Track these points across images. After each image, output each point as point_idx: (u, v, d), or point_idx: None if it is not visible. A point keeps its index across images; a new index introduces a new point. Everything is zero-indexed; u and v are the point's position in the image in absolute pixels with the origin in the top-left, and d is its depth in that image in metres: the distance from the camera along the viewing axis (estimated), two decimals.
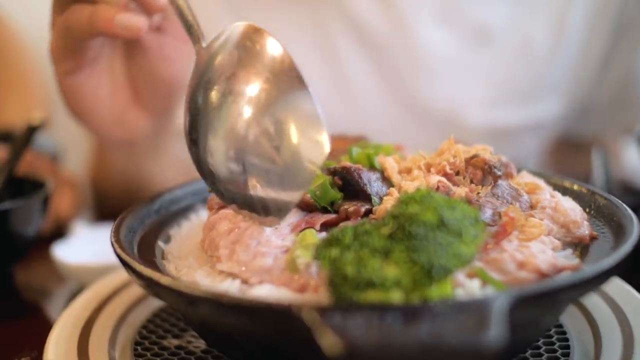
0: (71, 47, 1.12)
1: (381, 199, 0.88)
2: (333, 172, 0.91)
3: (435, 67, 1.72)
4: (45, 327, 1.01)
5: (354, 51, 1.72)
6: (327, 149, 0.78)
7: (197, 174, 0.89)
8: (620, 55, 1.82)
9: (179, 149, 1.53)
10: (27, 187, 1.33)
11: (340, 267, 0.70)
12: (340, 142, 1.07)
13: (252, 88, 0.85)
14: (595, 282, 0.75)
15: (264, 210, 0.83)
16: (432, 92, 1.74)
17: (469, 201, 0.85)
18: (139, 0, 1.08)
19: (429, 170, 0.93)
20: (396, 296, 0.68)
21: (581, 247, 0.88)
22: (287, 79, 0.85)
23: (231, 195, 0.85)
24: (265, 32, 0.90)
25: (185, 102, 0.91)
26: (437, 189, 0.87)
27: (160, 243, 0.95)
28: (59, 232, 1.45)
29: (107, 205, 1.66)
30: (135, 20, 1.06)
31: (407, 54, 1.71)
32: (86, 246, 1.29)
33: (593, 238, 0.88)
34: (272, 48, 0.88)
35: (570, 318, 0.97)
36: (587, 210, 0.95)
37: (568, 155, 2.06)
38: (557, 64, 1.77)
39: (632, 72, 1.84)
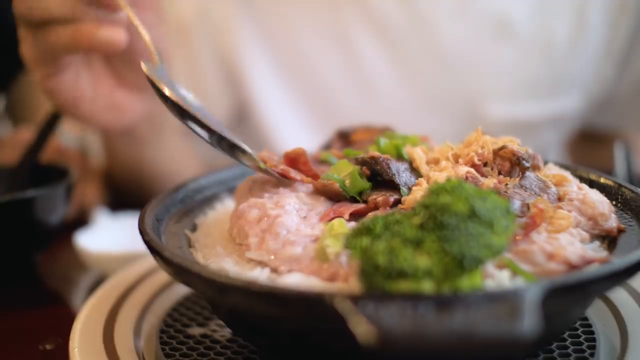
0: (50, 58, 1.13)
1: (410, 189, 0.88)
2: (361, 162, 0.91)
3: (455, 60, 1.72)
4: (68, 315, 1.02)
5: (373, 45, 1.72)
6: None
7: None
8: None
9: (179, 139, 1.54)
10: (51, 175, 1.33)
11: (371, 257, 0.70)
12: (366, 133, 1.07)
13: None
14: (627, 273, 0.74)
15: None
16: (452, 85, 1.73)
17: (497, 192, 0.85)
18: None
19: (456, 161, 0.93)
20: (427, 286, 0.68)
21: (609, 239, 0.88)
22: None
23: None
24: None
25: None
26: (466, 179, 0.87)
27: (186, 231, 0.95)
28: (82, 220, 1.46)
29: (121, 195, 1.66)
30: (115, 35, 1.08)
31: (426, 48, 1.71)
32: (108, 234, 1.30)
33: (621, 231, 0.88)
34: None
35: (596, 312, 0.97)
36: (614, 203, 0.95)
37: (589, 149, 2.06)
38: (577, 58, 1.76)
39: None
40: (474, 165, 0.91)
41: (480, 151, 0.92)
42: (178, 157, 1.58)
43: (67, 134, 1.64)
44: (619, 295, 0.99)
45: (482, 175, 0.90)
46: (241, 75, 1.76)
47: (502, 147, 0.92)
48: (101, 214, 1.40)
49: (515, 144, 0.94)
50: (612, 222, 0.88)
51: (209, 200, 1.05)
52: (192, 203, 1.03)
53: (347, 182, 0.89)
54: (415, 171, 0.92)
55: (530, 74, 1.77)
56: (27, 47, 1.15)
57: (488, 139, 0.94)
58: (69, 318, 1.00)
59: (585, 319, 0.96)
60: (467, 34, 1.72)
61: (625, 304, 0.98)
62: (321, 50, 1.75)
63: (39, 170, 1.36)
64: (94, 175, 1.57)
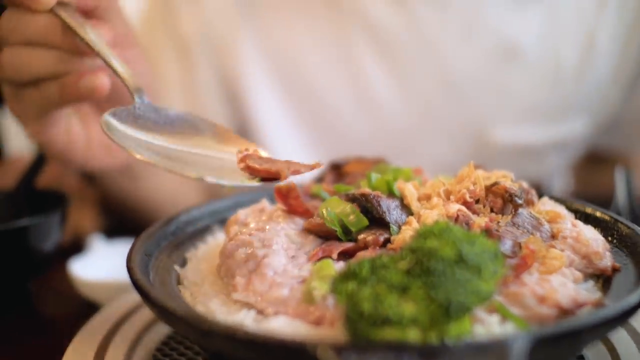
0: (40, 115, 1.13)
1: (400, 227, 0.87)
2: (352, 199, 0.90)
3: (462, 84, 1.70)
4: (60, 346, 1.00)
5: (378, 67, 1.70)
6: None
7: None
8: None
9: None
10: (48, 200, 1.32)
11: (356, 303, 0.68)
12: (359, 165, 1.06)
13: None
14: (618, 320, 0.73)
15: None
16: (458, 108, 1.72)
17: (488, 231, 0.83)
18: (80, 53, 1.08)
19: (448, 198, 0.91)
20: (413, 334, 0.67)
21: (603, 278, 0.86)
22: None
23: None
24: None
25: None
26: (457, 218, 0.85)
27: (176, 267, 0.94)
28: (78, 245, 1.45)
29: (117, 220, 1.65)
30: (97, 81, 1.08)
31: (432, 71, 1.69)
32: (103, 262, 1.29)
33: (615, 270, 0.87)
34: None
35: (592, 351, 0.95)
36: (610, 238, 0.93)
37: (593, 170, 2.04)
38: (585, 83, 1.74)
39: None
40: (465, 203, 0.89)
41: (472, 188, 0.91)
42: (175, 187, 1.56)
43: None
44: (616, 333, 0.97)
45: (474, 212, 0.89)
46: (242, 95, 1.75)
47: (495, 184, 0.91)
48: (96, 240, 1.39)
49: (508, 180, 0.93)
50: (607, 261, 0.87)
51: (200, 233, 1.05)
52: (183, 235, 1.02)
53: (351, 217, 0.87)
54: (406, 208, 0.91)
55: (538, 99, 1.75)
56: (14, 105, 1.15)
57: (480, 175, 0.93)
58: (61, 348, 0.99)
59: (582, 357, 0.94)
60: (474, 57, 1.70)
61: (624, 342, 0.96)
62: (325, 72, 1.73)
63: (36, 195, 1.36)
64: (92, 201, 1.56)
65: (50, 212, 1.24)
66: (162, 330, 1.04)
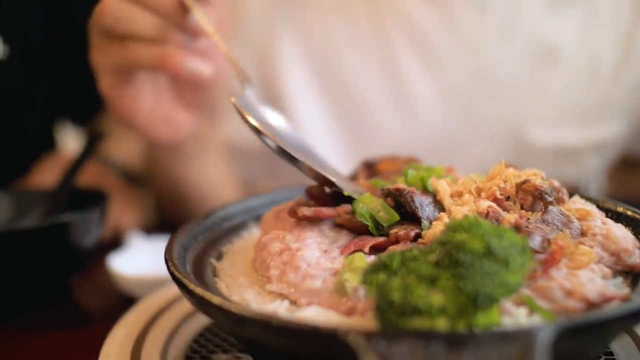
0: (122, 70, 1.16)
1: (431, 223, 0.89)
2: (386, 194, 0.92)
3: (499, 85, 1.71)
4: (98, 338, 1.03)
5: (417, 66, 1.72)
6: None
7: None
8: None
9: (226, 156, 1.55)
10: (88, 199, 1.36)
11: (386, 293, 0.70)
12: (392, 164, 1.08)
13: None
14: None
15: None
16: (496, 110, 1.73)
17: (518, 227, 0.85)
18: (189, 32, 1.10)
19: (479, 195, 0.93)
20: (441, 324, 0.68)
21: (632, 275, 0.87)
22: None
23: None
24: None
25: None
26: (487, 214, 0.87)
27: (212, 260, 0.97)
28: (117, 242, 1.48)
29: (157, 216, 1.69)
30: (202, 68, 1.10)
31: (470, 72, 1.70)
32: (141, 257, 1.32)
33: None
34: None
35: (620, 345, 0.96)
36: None
37: (629, 175, 2.03)
38: (623, 83, 1.74)
39: None
40: (496, 200, 0.91)
41: (502, 185, 0.92)
42: (218, 175, 1.59)
43: (111, 159, 1.68)
44: None
45: (504, 209, 0.90)
46: (281, 95, 1.77)
47: (525, 181, 0.92)
48: (135, 236, 1.43)
49: (538, 178, 0.94)
50: (636, 257, 0.88)
51: (236, 228, 1.07)
52: (219, 231, 1.05)
53: (382, 213, 0.89)
54: (439, 204, 0.93)
55: (576, 100, 1.76)
56: (100, 55, 1.18)
57: (511, 172, 0.94)
58: (99, 341, 1.02)
59: (610, 353, 0.95)
60: (512, 58, 1.71)
61: None
62: (364, 71, 1.76)
63: (77, 194, 1.40)
64: (131, 200, 1.60)
65: (90, 209, 1.28)
66: (199, 322, 1.07)
